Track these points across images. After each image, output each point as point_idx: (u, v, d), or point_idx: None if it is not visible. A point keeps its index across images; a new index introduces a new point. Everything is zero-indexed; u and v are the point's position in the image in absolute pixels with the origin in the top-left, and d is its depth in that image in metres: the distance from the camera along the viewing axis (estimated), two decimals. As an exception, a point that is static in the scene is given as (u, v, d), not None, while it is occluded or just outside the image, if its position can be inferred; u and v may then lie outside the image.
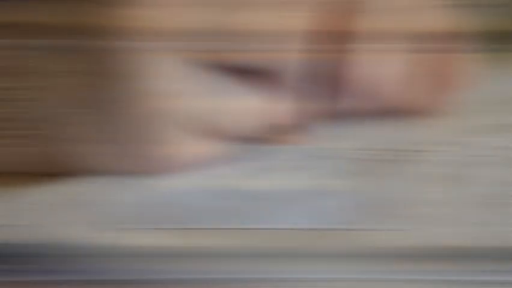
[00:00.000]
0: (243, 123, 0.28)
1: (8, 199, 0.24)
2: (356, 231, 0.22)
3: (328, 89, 0.39)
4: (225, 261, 0.20)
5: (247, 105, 0.28)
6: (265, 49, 0.27)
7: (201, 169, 0.27)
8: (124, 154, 0.26)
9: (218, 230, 0.22)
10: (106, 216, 0.22)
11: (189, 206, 0.23)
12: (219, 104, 0.27)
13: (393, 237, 0.21)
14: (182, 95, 0.26)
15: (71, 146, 0.27)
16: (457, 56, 0.42)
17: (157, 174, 0.26)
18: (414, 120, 0.41)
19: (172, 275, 0.19)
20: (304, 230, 0.22)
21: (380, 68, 0.39)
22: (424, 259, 0.20)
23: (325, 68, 0.32)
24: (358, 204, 0.24)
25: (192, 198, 0.24)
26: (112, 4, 0.26)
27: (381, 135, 0.36)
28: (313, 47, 0.29)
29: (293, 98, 0.29)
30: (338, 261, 0.21)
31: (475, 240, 0.21)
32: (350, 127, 0.39)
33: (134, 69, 0.26)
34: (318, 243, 0.21)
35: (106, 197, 0.24)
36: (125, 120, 0.26)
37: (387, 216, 0.22)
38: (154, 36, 0.26)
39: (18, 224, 0.22)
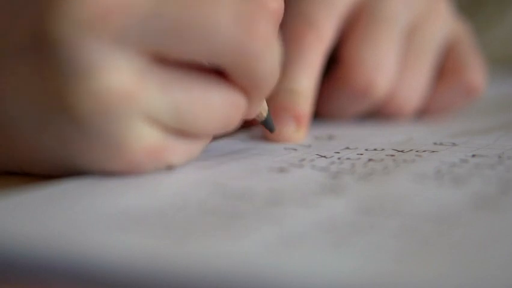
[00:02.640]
0: (213, 120, 0.27)
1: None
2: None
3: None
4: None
5: (215, 101, 0.26)
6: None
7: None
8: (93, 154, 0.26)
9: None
10: (97, 219, 0.22)
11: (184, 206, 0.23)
12: (186, 99, 0.26)
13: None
14: (143, 90, 0.25)
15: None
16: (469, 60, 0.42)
17: (126, 173, 0.26)
18: (415, 120, 0.41)
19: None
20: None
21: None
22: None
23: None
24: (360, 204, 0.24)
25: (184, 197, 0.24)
26: None
27: (381, 135, 0.36)
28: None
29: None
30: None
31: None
32: (348, 127, 0.39)
33: (85, 65, 0.24)
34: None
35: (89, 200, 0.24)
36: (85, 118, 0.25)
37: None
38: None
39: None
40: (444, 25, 0.41)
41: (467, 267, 0.19)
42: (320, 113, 0.40)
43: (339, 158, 0.30)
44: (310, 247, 0.20)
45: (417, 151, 0.31)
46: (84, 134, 0.25)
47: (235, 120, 0.27)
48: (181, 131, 0.26)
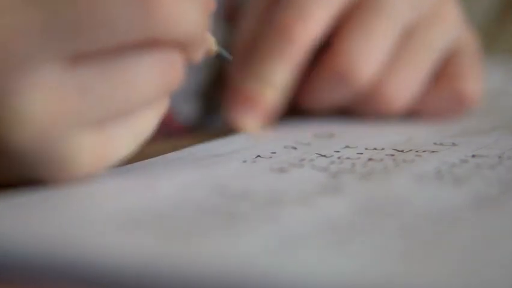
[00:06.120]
0: (148, 92, 0.25)
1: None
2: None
3: None
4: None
5: (146, 74, 0.25)
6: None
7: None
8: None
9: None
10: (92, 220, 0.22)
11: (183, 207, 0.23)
12: (109, 89, 0.24)
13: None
14: (66, 101, 0.24)
15: None
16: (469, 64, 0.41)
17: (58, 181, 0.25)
18: (415, 120, 0.41)
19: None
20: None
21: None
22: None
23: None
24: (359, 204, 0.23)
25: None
26: None
27: (381, 134, 0.36)
28: None
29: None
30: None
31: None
32: (347, 126, 0.39)
33: None
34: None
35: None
36: None
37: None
38: None
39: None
40: (448, 31, 0.41)
41: (467, 267, 0.19)
42: (300, 102, 0.39)
43: (339, 158, 0.30)
44: (310, 247, 0.20)
45: (417, 151, 0.31)
46: (25, 163, 0.24)
47: (176, 78, 0.26)
48: (115, 117, 0.25)
